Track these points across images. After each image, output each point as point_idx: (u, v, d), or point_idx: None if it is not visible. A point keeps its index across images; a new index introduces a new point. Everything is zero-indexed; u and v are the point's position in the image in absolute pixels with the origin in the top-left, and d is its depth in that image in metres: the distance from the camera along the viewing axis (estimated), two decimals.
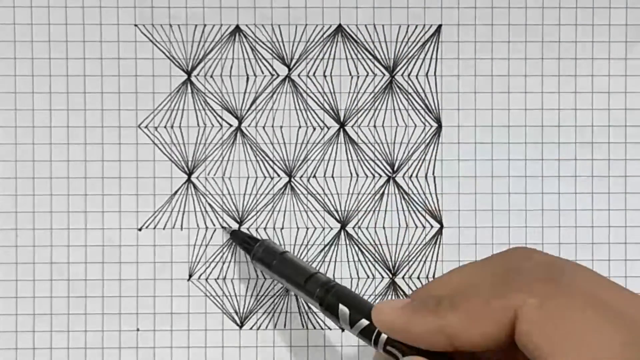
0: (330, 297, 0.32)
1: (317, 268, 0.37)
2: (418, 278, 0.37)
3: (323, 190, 0.37)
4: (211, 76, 0.37)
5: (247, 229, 0.37)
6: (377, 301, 0.37)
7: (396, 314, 0.30)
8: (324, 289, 0.32)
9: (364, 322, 0.31)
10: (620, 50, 0.37)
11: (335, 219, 0.37)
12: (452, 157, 0.37)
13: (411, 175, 0.37)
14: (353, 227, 0.37)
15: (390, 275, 0.37)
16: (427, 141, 0.37)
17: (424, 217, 0.37)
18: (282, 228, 0.37)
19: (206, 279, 0.37)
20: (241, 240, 0.36)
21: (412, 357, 0.29)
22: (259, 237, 0.37)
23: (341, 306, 0.32)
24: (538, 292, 0.27)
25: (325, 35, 0.37)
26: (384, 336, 0.31)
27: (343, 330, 0.37)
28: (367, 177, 0.37)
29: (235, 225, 0.37)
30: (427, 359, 0.29)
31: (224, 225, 0.37)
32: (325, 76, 0.37)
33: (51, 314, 0.37)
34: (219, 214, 0.37)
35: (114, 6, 0.37)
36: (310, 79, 0.37)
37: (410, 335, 0.29)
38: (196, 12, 0.37)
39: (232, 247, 0.37)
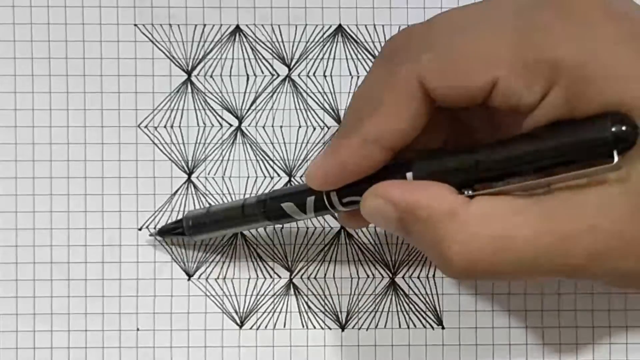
0: (269, 207, 0.32)
1: (317, 268, 0.37)
2: (418, 278, 0.37)
3: None
4: (211, 76, 0.37)
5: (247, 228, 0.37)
6: (377, 301, 0.37)
7: (323, 164, 0.29)
8: (260, 206, 0.33)
9: (310, 199, 0.31)
10: None
11: (335, 218, 0.37)
12: None
13: None
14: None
15: (390, 275, 0.37)
16: None
17: None
18: (282, 227, 0.37)
19: (206, 279, 0.37)
20: (169, 230, 0.36)
21: (369, 191, 0.28)
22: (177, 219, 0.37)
23: (284, 205, 0.32)
24: (425, 48, 0.27)
25: (325, 36, 0.37)
26: (333, 196, 0.30)
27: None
28: None
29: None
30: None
31: (154, 231, 0.37)
32: (325, 76, 0.37)
33: (51, 314, 0.37)
34: None
35: (114, 6, 0.37)
36: (311, 79, 0.37)
37: (346, 170, 0.28)
38: (196, 11, 0.37)
39: (232, 246, 0.37)
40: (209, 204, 0.37)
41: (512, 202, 0.26)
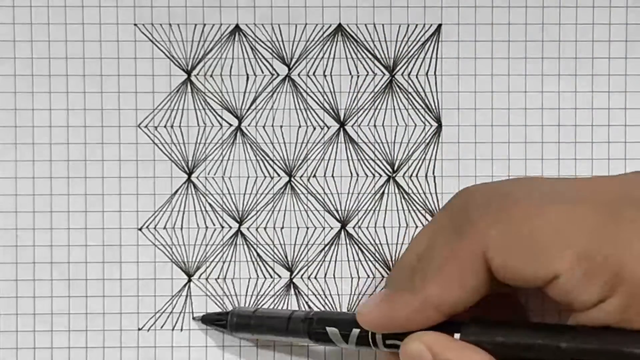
0: (314, 327, 0.33)
1: (317, 268, 0.37)
2: None
3: (323, 189, 0.37)
4: (211, 76, 0.37)
5: (247, 228, 0.37)
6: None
7: (377, 311, 0.30)
8: (306, 323, 0.33)
9: (355, 331, 0.32)
10: (620, 49, 0.37)
11: (336, 218, 0.37)
12: (452, 156, 0.37)
13: (411, 175, 0.37)
14: (353, 227, 0.37)
15: None
16: (427, 141, 0.37)
17: (424, 217, 0.37)
18: (282, 228, 0.37)
19: (206, 279, 0.37)
20: (213, 320, 0.36)
21: (413, 336, 0.29)
22: (225, 310, 0.37)
23: (328, 329, 0.32)
24: (495, 222, 0.27)
25: (325, 35, 0.37)
26: (379, 335, 0.31)
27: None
28: (367, 176, 0.37)
29: (235, 225, 0.37)
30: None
31: (197, 317, 0.37)
32: (325, 76, 0.37)
33: (51, 314, 0.37)
34: (219, 214, 0.37)
35: (114, 5, 0.37)
36: (310, 79, 0.37)
37: (399, 323, 0.29)
38: (196, 11, 0.37)
39: (232, 246, 0.37)
40: (210, 204, 0.37)
41: None
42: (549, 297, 0.28)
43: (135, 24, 0.37)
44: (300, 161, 0.37)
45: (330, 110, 0.37)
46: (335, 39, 0.37)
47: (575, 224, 0.26)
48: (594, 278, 0.25)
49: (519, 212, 0.27)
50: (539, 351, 0.27)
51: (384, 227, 0.37)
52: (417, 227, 0.37)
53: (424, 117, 0.37)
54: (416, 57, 0.37)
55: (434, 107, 0.37)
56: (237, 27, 0.37)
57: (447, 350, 0.28)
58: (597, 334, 0.26)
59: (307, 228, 0.37)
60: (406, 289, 0.29)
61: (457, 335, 0.28)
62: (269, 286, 0.37)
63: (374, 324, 0.30)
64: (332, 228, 0.37)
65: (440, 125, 0.37)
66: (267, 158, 0.37)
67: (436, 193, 0.37)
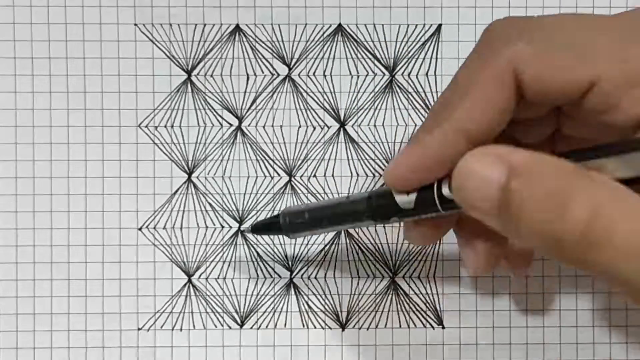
0: (376, 201, 0.29)
1: (317, 268, 0.37)
2: (418, 277, 0.37)
3: (323, 189, 0.37)
4: (211, 75, 0.37)
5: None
6: (377, 300, 0.37)
7: (407, 157, 0.26)
8: (365, 203, 0.30)
9: (412, 197, 0.28)
10: None
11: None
12: None
13: None
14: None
15: (391, 275, 0.37)
16: None
17: None
18: None
19: (206, 279, 0.37)
20: (264, 227, 0.34)
21: (478, 151, 0.24)
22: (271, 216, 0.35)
23: (397, 197, 0.28)
24: (522, 36, 0.25)
25: (325, 35, 0.37)
26: (444, 189, 0.27)
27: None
28: (367, 176, 0.37)
29: (235, 225, 0.37)
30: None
31: (241, 228, 0.36)
32: (325, 76, 0.37)
33: (51, 314, 0.37)
34: (219, 214, 0.37)
35: (114, 5, 0.37)
36: (311, 79, 0.37)
37: (428, 163, 0.26)
38: (196, 11, 0.37)
39: (232, 246, 0.37)
40: (210, 205, 0.37)
41: None
42: (585, 114, 0.25)
43: (135, 24, 0.37)
44: (300, 161, 0.37)
45: (331, 110, 0.37)
46: (336, 39, 0.37)
47: (612, 31, 0.24)
48: (635, 82, 0.24)
49: (551, 20, 0.25)
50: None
51: (383, 226, 0.37)
52: None
53: (424, 117, 0.37)
54: (416, 57, 0.37)
55: None
56: (237, 27, 0.37)
57: (523, 153, 0.23)
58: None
59: None
60: (433, 122, 0.26)
61: None
62: (269, 286, 0.37)
63: (410, 172, 0.26)
64: None
65: None
66: (267, 158, 0.37)
67: None
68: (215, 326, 0.37)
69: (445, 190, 0.27)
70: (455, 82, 0.27)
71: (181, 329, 0.37)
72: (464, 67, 0.27)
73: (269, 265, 0.37)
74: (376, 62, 0.37)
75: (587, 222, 0.21)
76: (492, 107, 0.25)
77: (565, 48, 0.25)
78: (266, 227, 0.34)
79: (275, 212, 0.36)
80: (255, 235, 0.36)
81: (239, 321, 0.37)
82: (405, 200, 0.28)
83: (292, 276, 0.37)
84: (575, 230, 0.21)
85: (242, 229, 0.36)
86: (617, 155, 0.23)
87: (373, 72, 0.37)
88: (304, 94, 0.37)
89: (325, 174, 0.37)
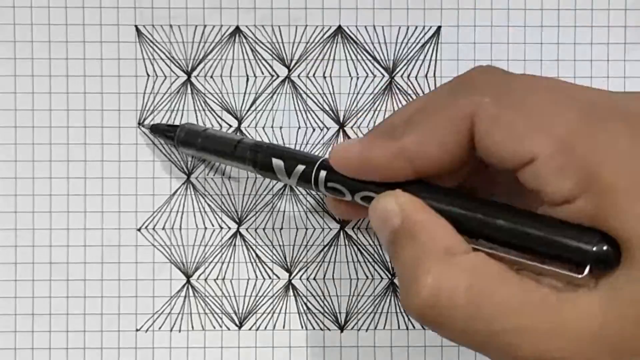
0: (260, 156, 0.33)
1: (316, 269, 0.37)
2: None
3: None
4: (211, 77, 0.37)
5: (246, 229, 0.37)
6: (376, 302, 0.37)
7: (352, 151, 0.29)
8: (253, 151, 0.33)
9: (300, 168, 0.31)
10: (619, 51, 0.37)
11: (335, 219, 0.37)
12: None
13: None
14: (352, 228, 0.37)
15: (390, 276, 0.37)
16: None
17: None
18: (282, 228, 0.37)
19: (205, 280, 0.37)
20: (162, 131, 0.36)
21: (389, 193, 0.28)
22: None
23: (274, 160, 0.32)
24: (492, 92, 0.26)
25: (325, 37, 0.37)
26: (322, 174, 0.31)
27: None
28: None
29: (234, 226, 0.37)
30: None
31: (147, 123, 0.37)
32: (325, 77, 0.37)
33: (50, 314, 0.37)
34: (218, 215, 0.37)
35: (114, 7, 0.37)
36: (310, 80, 0.37)
37: (371, 167, 0.28)
38: (196, 12, 0.37)
39: (231, 247, 0.37)
40: (209, 205, 0.37)
41: (503, 272, 0.26)
42: (519, 187, 0.27)
43: (136, 25, 0.37)
44: None
45: (330, 112, 0.37)
46: (335, 41, 0.37)
47: (566, 116, 0.25)
48: (568, 171, 0.25)
49: (517, 91, 0.27)
50: (479, 225, 0.27)
51: None
52: None
53: None
54: (416, 59, 0.37)
55: None
56: (237, 29, 0.37)
57: (418, 211, 0.27)
58: (541, 221, 0.26)
59: (306, 229, 0.37)
60: (388, 136, 0.28)
61: (399, 190, 0.28)
62: (267, 287, 0.37)
63: (346, 163, 0.29)
64: (331, 229, 0.37)
65: None
66: None
67: None
68: (214, 327, 0.37)
69: (322, 176, 0.31)
70: (423, 101, 0.29)
71: (180, 330, 0.37)
72: (431, 95, 0.30)
73: (267, 266, 0.37)
74: (376, 63, 0.37)
75: (427, 299, 0.25)
76: (443, 147, 0.27)
77: (520, 119, 0.26)
78: (163, 132, 0.36)
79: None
80: (153, 134, 0.37)
81: (237, 322, 0.37)
82: (280, 166, 0.32)
83: (291, 277, 0.37)
84: (414, 305, 0.26)
85: (143, 124, 0.37)
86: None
87: (372, 73, 0.37)
88: (304, 96, 0.37)
89: None
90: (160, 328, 0.37)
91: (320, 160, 0.31)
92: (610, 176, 0.24)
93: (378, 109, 0.37)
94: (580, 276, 0.25)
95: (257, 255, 0.37)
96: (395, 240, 0.27)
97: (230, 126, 0.37)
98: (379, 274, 0.37)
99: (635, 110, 0.26)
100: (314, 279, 0.37)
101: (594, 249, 0.24)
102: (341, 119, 0.37)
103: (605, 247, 0.24)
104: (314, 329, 0.37)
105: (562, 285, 0.25)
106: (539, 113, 0.26)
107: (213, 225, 0.37)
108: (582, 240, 0.25)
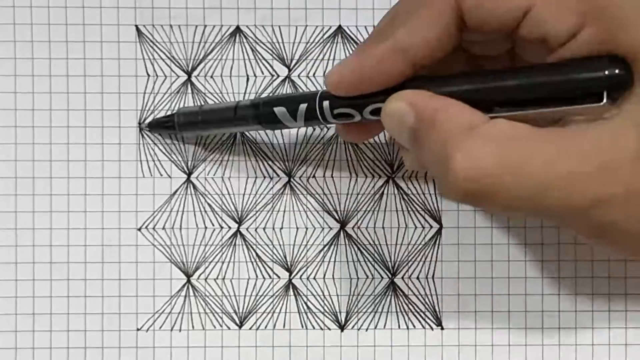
0: (262, 109, 0.33)
1: (316, 268, 0.37)
2: (417, 278, 0.37)
3: (322, 190, 0.37)
4: (211, 77, 0.37)
5: (247, 229, 0.37)
6: (376, 301, 0.37)
7: (345, 65, 0.29)
8: (253, 108, 0.33)
9: (303, 107, 0.31)
10: None
11: (335, 219, 0.37)
12: None
13: (410, 176, 0.37)
14: (352, 227, 0.37)
15: (390, 276, 0.37)
16: None
17: (423, 217, 0.37)
18: (282, 228, 0.37)
19: (205, 279, 0.37)
20: (161, 123, 0.36)
21: (394, 95, 0.28)
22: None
23: (276, 109, 0.32)
24: None
25: (325, 36, 0.37)
26: (325, 105, 0.30)
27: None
28: (366, 177, 0.37)
29: (234, 225, 0.37)
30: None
31: (144, 124, 0.37)
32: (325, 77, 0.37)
33: (51, 314, 0.37)
34: (218, 214, 0.37)
35: (115, 6, 0.37)
36: (310, 80, 0.37)
37: (366, 74, 0.28)
38: (196, 12, 0.37)
39: (232, 247, 0.37)
40: (209, 205, 0.37)
41: (531, 129, 0.25)
42: (519, 46, 0.27)
43: (136, 25, 0.37)
44: (299, 161, 0.37)
45: None
46: (335, 41, 0.37)
47: None
48: (569, 6, 0.25)
49: None
50: (492, 94, 0.27)
51: (383, 227, 0.37)
52: (416, 227, 0.37)
53: None
54: None
55: None
56: (237, 29, 0.37)
57: (429, 101, 0.27)
58: (548, 67, 0.26)
59: (307, 228, 0.37)
60: (374, 41, 0.28)
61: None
62: (268, 287, 0.37)
63: (342, 79, 0.29)
64: (331, 228, 0.37)
65: None
66: (267, 158, 0.37)
67: (435, 193, 0.37)
68: (214, 327, 0.37)
69: (325, 105, 0.31)
70: (400, 6, 0.29)
71: (180, 330, 0.37)
72: None
73: (267, 266, 0.37)
74: None
75: (465, 176, 0.25)
76: (433, 31, 0.27)
77: None
78: (162, 124, 0.36)
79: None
80: (154, 132, 0.37)
81: (237, 322, 0.37)
82: (283, 112, 0.32)
83: (291, 277, 0.37)
84: (455, 187, 0.25)
85: (141, 126, 0.37)
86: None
87: None
88: None
89: (324, 174, 0.37)
90: (160, 327, 0.37)
91: (320, 92, 0.31)
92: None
93: None
94: (601, 104, 0.24)
95: (257, 254, 0.37)
96: (416, 136, 0.27)
97: None
98: (379, 273, 0.37)
99: None
100: (314, 278, 0.37)
101: (606, 72, 0.24)
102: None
103: (616, 70, 0.24)
104: (314, 328, 0.37)
105: (589, 125, 0.25)
106: None
107: (213, 225, 0.37)
108: (592, 70, 0.25)
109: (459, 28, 0.27)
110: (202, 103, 0.37)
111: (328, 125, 0.36)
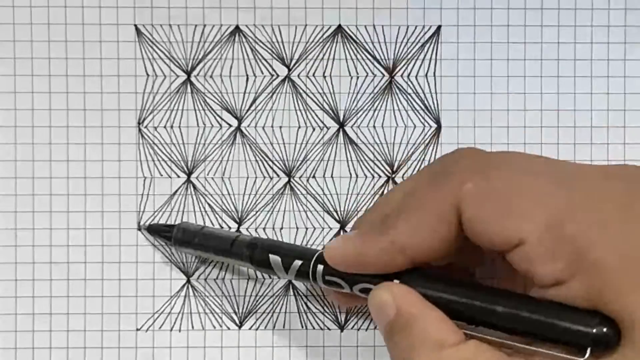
0: (257, 252, 0.33)
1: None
2: None
3: (322, 190, 0.37)
4: (211, 76, 0.37)
5: (247, 229, 0.37)
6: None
7: (346, 248, 0.30)
8: (250, 248, 0.33)
9: (297, 263, 0.32)
10: (619, 51, 0.37)
11: (335, 219, 0.37)
12: None
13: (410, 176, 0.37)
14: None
15: None
16: (427, 142, 0.37)
17: None
18: (282, 228, 0.37)
19: (205, 279, 0.37)
20: (159, 231, 0.36)
21: (384, 285, 0.29)
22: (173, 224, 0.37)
23: (271, 256, 0.32)
24: (474, 178, 0.27)
25: (325, 36, 0.37)
26: (319, 268, 0.31)
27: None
28: (366, 177, 0.37)
29: (234, 225, 0.37)
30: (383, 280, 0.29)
31: (143, 224, 0.37)
32: (324, 76, 0.37)
33: (50, 314, 0.37)
34: (218, 214, 0.37)
35: (114, 6, 0.37)
36: (310, 80, 0.37)
37: (367, 262, 0.29)
38: (196, 12, 0.37)
39: None
40: (209, 205, 0.37)
41: (501, 358, 0.26)
42: (510, 271, 0.27)
43: (135, 25, 0.37)
44: (299, 162, 0.37)
45: (330, 111, 0.37)
46: (335, 40, 0.37)
47: (551, 197, 0.26)
48: (558, 252, 0.25)
49: (498, 174, 0.27)
50: (476, 312, 0.27)
51: None
52: None
53: (423, 118, 0.37)
54: (415, 58, 0.37)
55: (433, 108, 0.37)
56: (237, 28, 0.37)
57: (414, 305, 0.28)
58: (539, 305, 0.26)
59: (307, 229, 0.37)
60: (375, 231, 0.29)
61: (396, 281, 0.29)
62: (267, 287, 0.37)
63: (341, 259, 0.30)
64: (331, 229, 0.37)
65: (439, 126, 0.37)
66: (267, 158, 0.37)
67: None
68: (214, 327, 0.37)
69: (319, 270, 0.31)
70: (402, 195, 0.30)
71: (180, 330, 0.37)
72: (414, 183, 0.30)
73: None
74: (376, 63, 0.37)
75: None
76: (433, 236, 0.28)
77: (505, 203, 0.26)
78: (160, 231, 0.36)
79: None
80: (149, 233, 0.37)
81: (237, 322, 0.37)
82: (277, 262, 0.32)
83: None
84: None
85: (140, 225, 0.37)
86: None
87: (372, 73, 0.37)
88: (304, 95, 0.37)
89: (324, 174, 0.37)
90: (160, 328, 0.37)
91: (317, 254, 0.31)
92: (603, 257, 0.24)
93: (378, 108, 0.37)
94: (583, 359, 0.25)
95: None
96: (391, 331, 0.28)
97: (230, 126, 0.37)
98: None
99: (622, 189, 0.26)
100: None
101: (594, 330, 0.25)
102: (341, 118, 0.37)
103: (605, 329, 0.25)
104: (314, 328, 0.37)
105: None
106: (524, 195, 0.26)
107: (213, 225, 0.37)
108: (581, 323, 0.25)
109: (459, 234, 0.28)
110: (204, 225, 0.37)
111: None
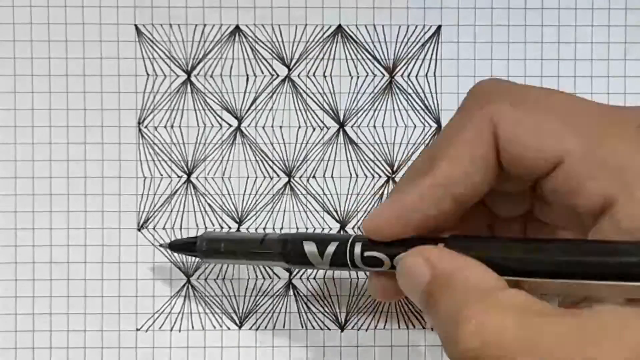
0: (289, 245, 0.31)
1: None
2: None
3: (322, 190, 0.37)
4: (211, 76, 0.37)
5: (247, 229, 0.37)
6: (376, 302, 0.37)
7: (385, 208, 0.28)
8: (281, 243, 0.32)
9: (333, 245, 0.30)
10: (619, 51, 0.37)
11: (335, 219, 0.37)
12: None
13: None
14: (352, 228, 0.37)
15: None
16: (427, 142, 0.37)
17: None
18: (282, 228, 0.37)
19: (205, 279, 0.37)
20: (182, 247, 0.35)
21: (413, 250, 0.27)
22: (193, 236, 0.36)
23: (305, 244, 0.31)
24: (509, 98, 0.26)
25: (325, 36, 0.37)
26: (357, 249, 0.29)
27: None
28: (366, 177, 0.37)
29: (235, 226, 0.37)
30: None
31: (164, 243, 0.36)
32: (325, 76, 0.37)
33: (50, 314, 0.37)
34: (218, 214, 0.37)
35: (114, 6, 0.37)
36: (310, 79, 0.37)
37: (407, 212, 0.27)
38: (196, 12, 0.37)
39: None
40: (209, 204, 0.37)
41: (549, 307, 0.23)
42: (551, 195, 0.26)
43: (135, 24, 0.37)
44: (299, 162, 0.37)
45: (330, 111, 0.37)
46: (335, 40, 0.37)
47: (587, 116, 0.25)
48: (602, 167, 0.24)
49: (535, 93, 0.26)
50: (524, 263, 0.26)
51: None
52: None
53: (423, 118, 0.37)
54: (416, 58, 0.37)
55: (433, 108, 0.37)
56: (237, 28, 0.37)
57: (446, 260, 0.26)
58: (588, 246, 0.25)
59: (307, 229, 0.37)
60: (414, 179, 0.27)
61: (441, 245, 0.27)
62: (268, 286, 0.37)
63: (385, 222, 0.28)
64: (331, 229, 0.37)
65: (439, 126, 0.37)
66: (267, 158, 0.37)
67: None
68: (214, 327, 0.37)
69: (357, 249, 0.29)
70: (439, 138, 0.29)
71: (180, 330, 0.37)
72: (448, 124, 0.29)
73: (267, 265, 0.37)
74: (376, 63, 0.37)
75: (473, 346, 0.23)
76: (472, 164, 0.26)
77: (543, 119, 0.25)
78: (183, 247, 0.35)
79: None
80: (171, 251, 0.36)
81: (237, 322, 0.37)
82: (313, 249, 0.30)
83: (291, 277, 0.37)
84: (466, 350, 0.23)
85: (160, 243, 0.37)
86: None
87: (373, 73, 0.37)
88: (304, 95, 0.37)
89: (324, 174, 0.37)
90: (160, 328, 0.37)
91: (353, 235, 0.30)
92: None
93: (378, 108, 0.37)
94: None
95: None
96: (430, 294, 0.26)
97: (230, 125, 0.37)
98: None
99: None
100: (314, 278, 0.37)
101: None
102: (341, 118, 0.37)
103: None
104: (314, 328, 0.37)
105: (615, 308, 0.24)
106: (562, 113, 0.25)
107: (213, 225, 0.37)
108: (634, 254, 0.24)
109: (497, 162, 0.27)
110: (228, 229, 0.36)
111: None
